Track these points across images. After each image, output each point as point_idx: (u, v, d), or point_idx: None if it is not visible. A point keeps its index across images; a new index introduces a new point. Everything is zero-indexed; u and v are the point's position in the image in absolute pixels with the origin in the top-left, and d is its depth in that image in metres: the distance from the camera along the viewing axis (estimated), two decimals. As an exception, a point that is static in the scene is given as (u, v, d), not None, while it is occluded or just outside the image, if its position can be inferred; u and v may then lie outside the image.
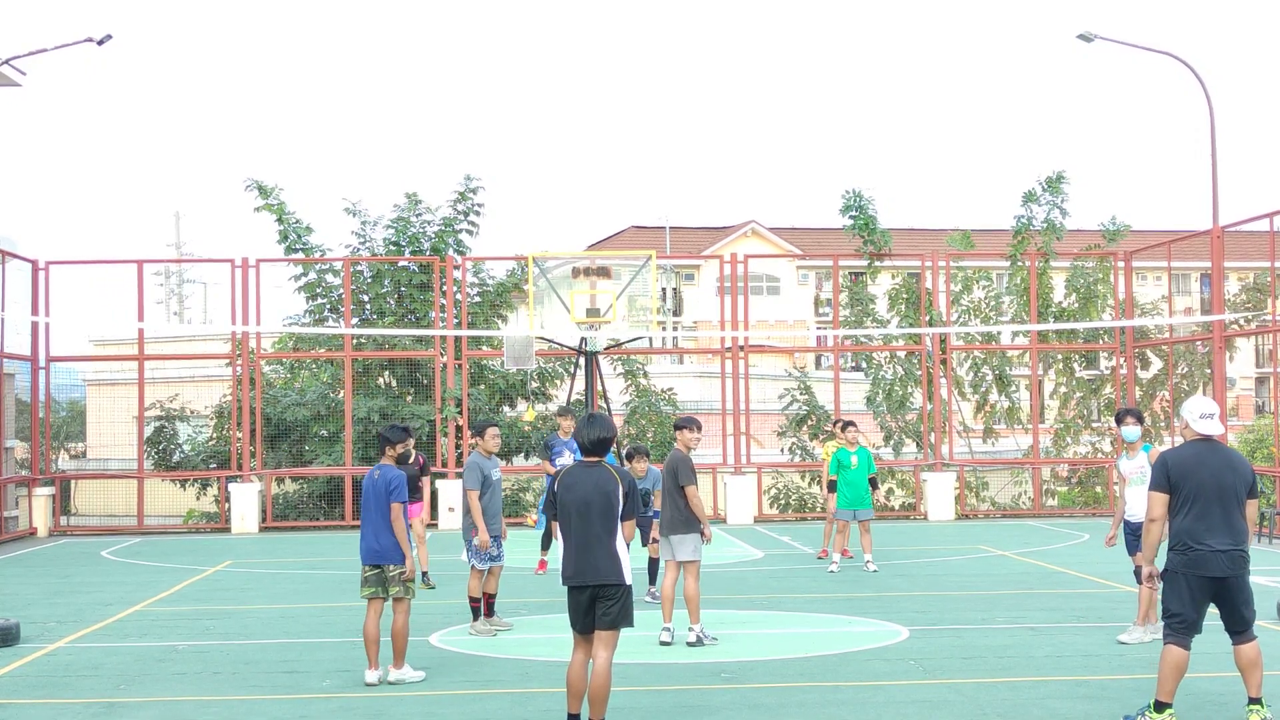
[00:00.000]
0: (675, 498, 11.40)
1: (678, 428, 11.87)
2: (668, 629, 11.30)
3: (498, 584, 12.10)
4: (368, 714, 8.94)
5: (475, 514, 11.69)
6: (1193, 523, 8.07)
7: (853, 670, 10.25)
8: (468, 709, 9.07)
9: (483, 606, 12.02)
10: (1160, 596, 8.35)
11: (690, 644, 11.11)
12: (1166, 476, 8.19)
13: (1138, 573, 10.99)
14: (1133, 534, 11.35)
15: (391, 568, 9.89)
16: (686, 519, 11.37)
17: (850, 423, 17.21)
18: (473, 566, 11.90)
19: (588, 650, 8.07)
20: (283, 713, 9.00)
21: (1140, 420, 11.72)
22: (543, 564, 16.40)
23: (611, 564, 8.03)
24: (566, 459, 15.91)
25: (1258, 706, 8.11)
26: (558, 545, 8.39)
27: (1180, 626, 8.09)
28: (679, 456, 11.53)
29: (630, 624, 8.13)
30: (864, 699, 9.22)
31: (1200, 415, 8.26)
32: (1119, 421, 11.71)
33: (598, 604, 8.02)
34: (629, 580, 8.09)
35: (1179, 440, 8.70)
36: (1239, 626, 8.13)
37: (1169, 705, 8.08)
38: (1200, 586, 8.06)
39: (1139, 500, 11.16)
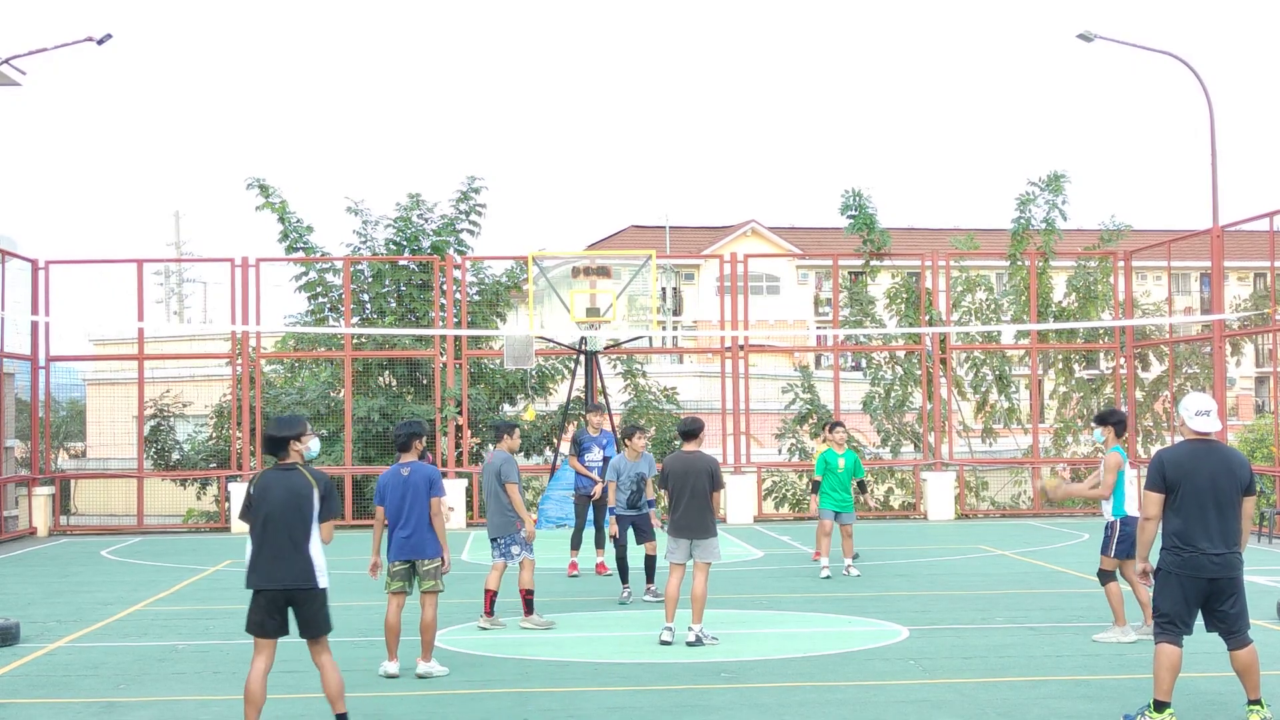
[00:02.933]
0: (708, 501, 11.36)
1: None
2: (669, 628, 11.28)
3: (532, 578, 12.16)
4: (368, 714, 8.93)
5: (518, 505, 11.88)
6: (1186, 525, 8.06)
7: (853, 670, 10.25)
8: (468, 709, 9.08)
9: (522, 604, 12.18)
10: (1152, 595, 8.35)
11: (690, 644, 11.10)
12: (1163, 476, 8.15)
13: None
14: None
15: (426, 562, 9.97)
16: (710, 523, 11.36)
17: (838, 424, 17.06)
18: (495, 561, 12.07)
19: (270, 656, 8.06)
20: (283, 713, 8.99)
21: (1104, 423, 11.50)
22: (574, 565, 16.11)
23: (305, 568, 7.98)
24: (596, 455, 15.78)
25: (1257, 707, 8.11)
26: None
27: (1171, 626, 8.08)
28: (714, 461, 11.54)
29: (331, 628, 8.19)
30: (864, 699, 9.22)
31: (1196, 412, 8.21)
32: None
33: (297, 610, 8.03)
34: (324, 584, 8.07)
35: (1179, 439, 8.62)
36: (1233, 628, 8.10)
37: (1168, 704, 8.07)
38: (1193, 587, 8.05)
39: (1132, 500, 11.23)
